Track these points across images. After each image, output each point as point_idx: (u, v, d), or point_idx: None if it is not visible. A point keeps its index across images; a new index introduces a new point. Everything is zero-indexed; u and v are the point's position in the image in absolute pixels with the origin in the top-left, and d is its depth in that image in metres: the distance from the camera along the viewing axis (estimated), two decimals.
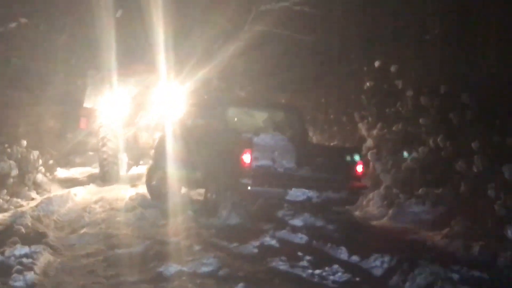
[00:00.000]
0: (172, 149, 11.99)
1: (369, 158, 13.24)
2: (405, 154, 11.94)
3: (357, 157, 10.98)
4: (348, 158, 11.00)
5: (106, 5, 18.33)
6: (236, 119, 12.07)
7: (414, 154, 11.73)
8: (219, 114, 11.68)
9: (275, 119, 12.15)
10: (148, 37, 17.61)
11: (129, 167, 17.32)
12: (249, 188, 9.98)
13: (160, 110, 15.64)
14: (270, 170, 10.42)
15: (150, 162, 14.04)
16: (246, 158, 9.91)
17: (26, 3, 19.48)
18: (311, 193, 10.37)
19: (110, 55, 17.15)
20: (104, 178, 16.51)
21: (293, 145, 10.85)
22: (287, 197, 10.38)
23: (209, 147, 11.17)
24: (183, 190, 12.33)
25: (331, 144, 15.53)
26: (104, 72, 17.19)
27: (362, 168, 10.99)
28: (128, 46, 18.52)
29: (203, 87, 18.17)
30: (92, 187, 15.88)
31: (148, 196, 12.81)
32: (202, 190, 11.73)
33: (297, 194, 10.33)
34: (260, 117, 12.20)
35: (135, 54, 18.54)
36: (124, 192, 14.21)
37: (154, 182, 12.61)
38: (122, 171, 17.06)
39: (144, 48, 18.01)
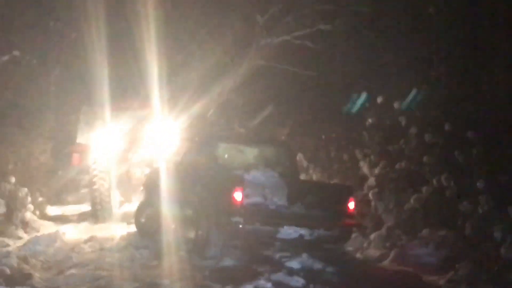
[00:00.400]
0: (162, 185, 12.00)
1: (371, 197, 13.15)
2: None
3: (349, 195, 11.11)
4: (340, 195, 11.17)
5: (100, 40, 18.43)
6: (226, 155, 12.24)
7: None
8: (209, 150, 11.95)
9: (265, 155, 12.32)
10: (142, 72, 17.70)
11: (122, 204, 17.29)
12: (240, 226, 10.10)
13: (153, 145, 15.65)
14: (261, 207, 10.47)
15: (139, 199, 14.11)
16: (237, 196, 10.00)
17: (19, 36, 19.60)
18: (303, 231, 10.40)
19: (103, 90, 17.27)
20: (96, 216, 16.30)
21: (284, 182, 10.98)
22: (279, 235, 10.39)
23: (200, 184, 11.23)
24: (173, 227, 12.05)
25: (323, 181, 15.55)
26: (97, 108, 17.19)
27: (354, 205, 11.04)
28: (122, 81, 18.63)
29: (198, 122, 18.21)
30: (83, 225, 15.75)
31: (140, 237, 12.70)
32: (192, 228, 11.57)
33: (288, 232, 10.35)
34: (250, 153, 12.39)
35: (128, 89, 18.65)
36: (115, 231, 14.07)
37: (143, 220, 12.59)
38: (115, 209, 16.82)
39: (137, 83, 18.12)
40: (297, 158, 17.64)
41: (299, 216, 10.57)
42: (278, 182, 10.92)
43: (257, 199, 10.48)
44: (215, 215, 10.52)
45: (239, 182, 10.26)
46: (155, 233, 11.79)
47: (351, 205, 10.93)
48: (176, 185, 11.75)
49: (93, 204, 16.46)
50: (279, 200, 10.70)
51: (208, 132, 16.06)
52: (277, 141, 14.81)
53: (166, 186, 11.95)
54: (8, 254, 10.88)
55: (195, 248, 10.86)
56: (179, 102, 17.43)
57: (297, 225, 10.38)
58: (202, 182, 11.21)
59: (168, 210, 11.66)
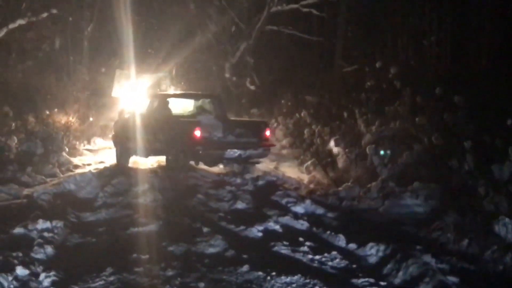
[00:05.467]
0: (134, 133, 14.16)
1: (368, 152, 13.04)
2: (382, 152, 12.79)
3: (265, 127, 14.21)
4: (259, 127, 14.12)
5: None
6: (175, 106, 14.63)
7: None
8: (163, 104, 14.11)
9: (203, 105, 15.37)
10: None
11: None
12: (200, 152, 13.03)
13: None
14: (209, 139, 13.57)
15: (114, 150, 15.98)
16: (197, 133, 12.87)
17: None
18: (240, 152, 13.34)
19: (130, 54, 19.46)
20: None
21: (219, 121, 14.39)
22: (225, 156, 13.33)
23: (165, 127, 13.55)
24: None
25: (247, 119, 18.85)
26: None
27: (270, 133, 14.40)
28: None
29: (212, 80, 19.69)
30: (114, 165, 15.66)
31: (163, 179, 12.66)
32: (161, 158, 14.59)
33: (231, 153, 13.28)
34: (191, 104, 15.57)
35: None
36: (140, 175, 13.97)
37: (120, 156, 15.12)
38: None
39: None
40: (302, 114, 17.59)
41: (233, 143, 13.64)
42: (215, 122, 14.33)
43: (205, 134, 13.35)
44: (181, 146, 13.21)
45: (198, 124, 13.21)
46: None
47: (267, 133, 14.12)
48: (145, 130, 13.94)
49: None
50: (217, 134, 14.03)
51: (162, 92, 18.49)
52: (210, 95, 17.33)
53: (137, 132, 14.05)
54: (45, 191, 10.90)
55: (169, 167, 13.60)
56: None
57: (235, 148, 13.31)
58: (167, 126, 13.54)
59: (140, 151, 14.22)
